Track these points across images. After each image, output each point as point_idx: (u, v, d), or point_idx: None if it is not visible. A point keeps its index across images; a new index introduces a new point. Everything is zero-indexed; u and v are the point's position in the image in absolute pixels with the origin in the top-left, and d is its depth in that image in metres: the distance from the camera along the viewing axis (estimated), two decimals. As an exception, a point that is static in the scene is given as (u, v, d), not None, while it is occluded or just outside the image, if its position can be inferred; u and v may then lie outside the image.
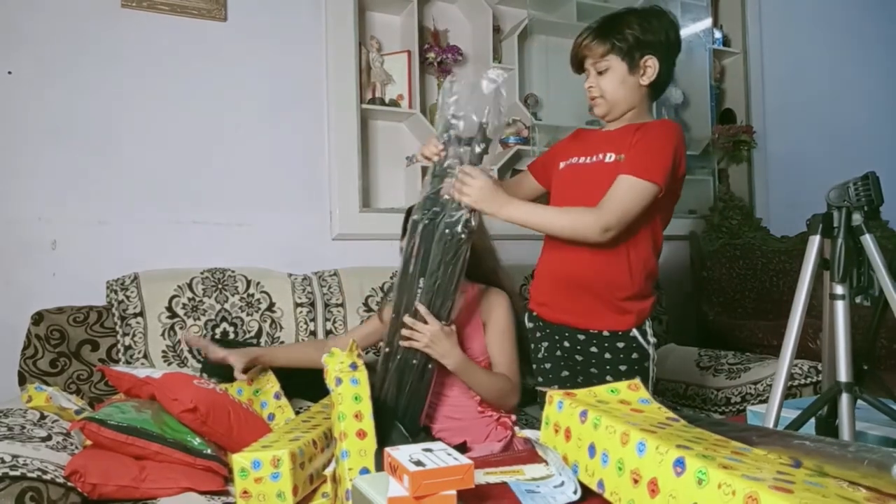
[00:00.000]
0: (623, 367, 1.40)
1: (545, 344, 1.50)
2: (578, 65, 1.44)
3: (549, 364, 1.49)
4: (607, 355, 1.40)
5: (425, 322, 1.39)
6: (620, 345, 1.40)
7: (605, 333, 1.40)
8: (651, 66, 1.38)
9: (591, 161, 1.42)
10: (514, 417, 1.63)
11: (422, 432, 1.50)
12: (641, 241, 1.38)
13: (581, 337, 1.42)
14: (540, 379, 1.52)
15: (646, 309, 1.42)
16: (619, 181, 1.32)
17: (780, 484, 0.59)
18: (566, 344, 1.45)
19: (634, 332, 1.41)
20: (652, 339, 1.43)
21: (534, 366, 1.54)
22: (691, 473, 0.65)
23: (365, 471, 1.11)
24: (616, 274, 1.38)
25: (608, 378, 1.38)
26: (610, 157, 1.39)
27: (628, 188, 1.31)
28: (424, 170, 2.33)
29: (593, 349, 1.41)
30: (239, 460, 1.19)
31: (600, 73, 1.39)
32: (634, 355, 1.40)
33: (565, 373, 1.46)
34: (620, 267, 1.37)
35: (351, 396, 1.17)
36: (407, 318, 1.40)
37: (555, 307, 1.47)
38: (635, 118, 1.43)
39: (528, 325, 1.55)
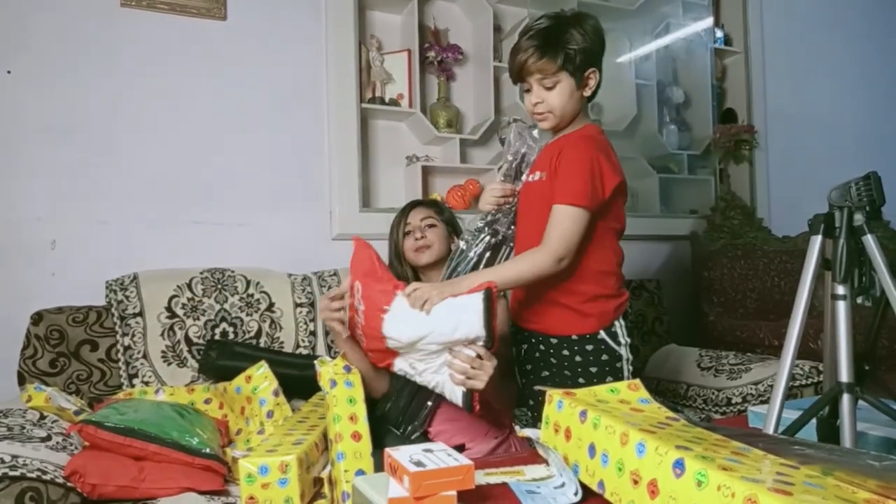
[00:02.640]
0: (594, 369, 1.42)
1: (525, 346, 1.54)
2: (522, 78, 1.43)
3: (530, 365, 1.51)
4: (578, 358, 1.43)
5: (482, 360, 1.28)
6: (589, 347, 1.43)
7: (574, 337, 1.43)
8: (593, 78, 1.43)
9: (531, 180, 1.48)
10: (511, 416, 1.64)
11: (420, 436, 1.51)
12: (591, 247, 1.41)
13: (553, 341, 1.46)
14: (523, 380, 1.55)
15: (608, 311, 1.44)
16: (553, 212, 1.36)
17: (779, 486, 0.59)
18: (542, 347, 1.49)
19: (602, 334, 1.43)
20: (624, 340, 1.45)
21: (516, 367, 1.56)
22: (690, 475, 0.65)
23: (361, 473, 1.11)
24: (569, 281, 1.41)
25: (580, 380, 1.41)
26: (536, 176, 1.46)
27: (562, 218, 1.35)
28: (426, 170, 2.36)
29: (565, 352, 1.44)
30: (245, 465, 1.18)
31: (548, 89, 1.40)
32: (604, 357, 1.43)
33: (545, 373, 1.48)
34: (571, 274, 1.40)
35: (345, 399, 1.17)
36: (466, 357, 1.26)
37: (524, 317, 1.51)
38: (571, 127, 1.47)
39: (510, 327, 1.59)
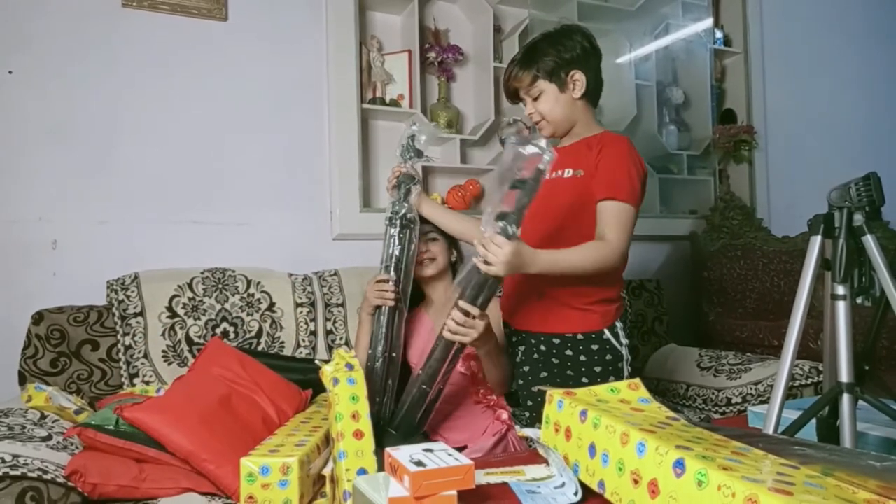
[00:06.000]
0: (597, 369, 1.44)
1: (521, 348, 1.53)
2: (513, 95, 1.54)
3: (528, 367, 1.51)
4: (582, 357, 1.44)
5: (474, 318, 1.35)
6: (594, 347, 1.44)
7: (579, 336, 1.45)
8: (578, 79, 1.48)
9: (551, 177, 1.48)
10: (509, 411, 1.65)
11: (421, 435, 1.51)
12: None
13: (556, 341, 1.46)
14: (520, 382, 1.55)
15: (611, 311, 1.47)
16: (605, 208, 1.39)
17: (779, 486, 0.59)
18: (542, 348, 1.49)
19: (607, 333, 1.45)
20: (624, 341, 1.48)
21: (511, 369, 1.57)
22: (691, 475, 0.65)
23: (362, 471, 1.11)
24: (582, 282, 1.41)
25: (583, 380, 1.42)
26: (568, 173, 1.47)
27: (618, 212, 1.38)
28: (426, 170, 2.36)
29: (568, 352, 1.45)
30: (247, 465, 1.19)
31: (535, 99, 1.49)
32: (608, 356, 1.45)
33: (544, 374, 1.48)
34: (588, 277, 1.40)
35: (348, 396, 1.17)
36: (457, 315, 1.34)
37: (526, 317, 1.51)
38: (584, 130, 1.51)
39: (504, 329, 1.59)
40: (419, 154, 1.62)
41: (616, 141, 1.46)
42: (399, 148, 1.64)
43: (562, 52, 1.46)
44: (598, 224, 1.40)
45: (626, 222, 1.38)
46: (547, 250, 1.35)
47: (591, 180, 1.42)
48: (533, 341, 1.50)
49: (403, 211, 1.60)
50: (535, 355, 1.50)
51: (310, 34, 2.23)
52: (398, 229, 1.60)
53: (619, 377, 1.44)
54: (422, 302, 1.78)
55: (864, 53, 3.48)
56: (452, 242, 1.75)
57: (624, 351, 1.47)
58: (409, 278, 1.61)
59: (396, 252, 1.59)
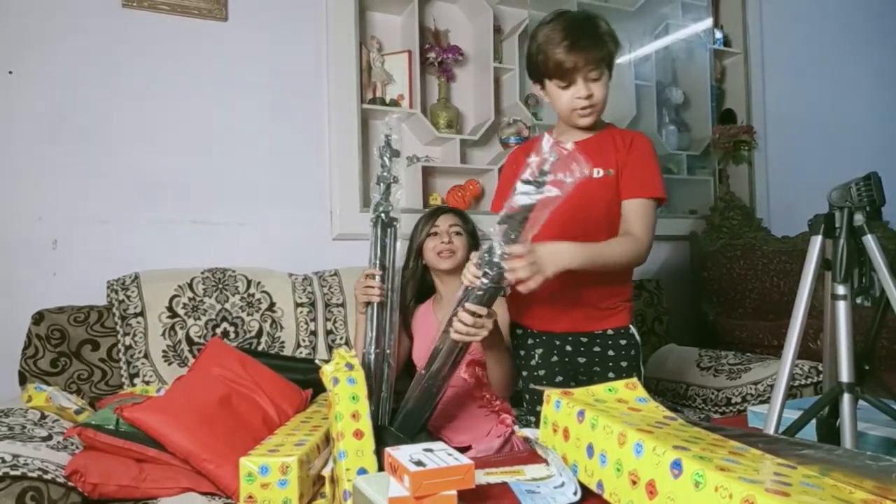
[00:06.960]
0: (624, 364, 1.44)
1: (539, 350, 1.49)
2: (565, 74, 1.35)
3: (544, 371, 1.47)
4: (611, 352, 1.44)
5: (480, 315, 1.28)
6: (622, 342, 1.45)
7: (609, 332, 1.45)
8: (610, 74, 1.41)
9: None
10: (513, 414, 1.64)
11: (423, 433, 1.50)
12: None
13: (584, 339, 1.46)
14: (531, 384, 1.52)
15: (632, 306, 1.49)
16: (634, 205, 1.38)
17: (776, 486, 0.59)
18: (567, 348, 1.46)
19: (632, 328, 1.47)
20: (638, 337, 1.49)
21: (524, 372, 1.52)
22: (688, 476, 0.65)
23: (363, 471, 1.11)
24: (613, 282, 1.42)
25: (610, 375, 1.42)
26: (598, 173, 1.39)
27: (645, 209, 1.38)
28: (426, 170, 2.36)
29: (597, 349, 1.45)
30: (246, 464, 1.19)
31: (595, 80, 1.36)
32: (633, 352, 1.45)
33: (559, 378, 1.45)
34: (618, 276, 1.41)
35: (348, 396, 1.17)
36: (465, 317, 1.27)
37: (553, 319, 1.47)
38: (597, 125, 1.46)
39: (517, 331, 1.54)
40: (396, 154, 1.63)
41: (643, 139, 1.44)
42: (377, 150, 1.65)
43: (614, 37, 1.39)
44: (623, 220, 1.39)
45: (653, 218, 1.39)
46: (583, 243, 1.28)
47: (620, 178, 1.40)
48: (557, 342, 1.46)
49: (381, 209, 1.60)
50: (554, 358, 1.46)
51: (310, 34, 2.23)
52: (380, 229, 1.60)
53: (640, 373, 1.44)
54: (431, 297, 1.77)
55: (865, 53, 3.48)
56: (474, 241, 1.74)
57: (640, 347, 1.49)
58: (397, 275, 1.61)
59: (380, 251, 1.60)
